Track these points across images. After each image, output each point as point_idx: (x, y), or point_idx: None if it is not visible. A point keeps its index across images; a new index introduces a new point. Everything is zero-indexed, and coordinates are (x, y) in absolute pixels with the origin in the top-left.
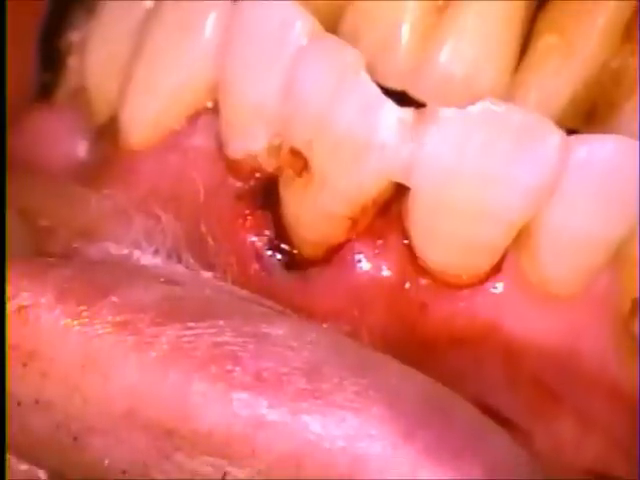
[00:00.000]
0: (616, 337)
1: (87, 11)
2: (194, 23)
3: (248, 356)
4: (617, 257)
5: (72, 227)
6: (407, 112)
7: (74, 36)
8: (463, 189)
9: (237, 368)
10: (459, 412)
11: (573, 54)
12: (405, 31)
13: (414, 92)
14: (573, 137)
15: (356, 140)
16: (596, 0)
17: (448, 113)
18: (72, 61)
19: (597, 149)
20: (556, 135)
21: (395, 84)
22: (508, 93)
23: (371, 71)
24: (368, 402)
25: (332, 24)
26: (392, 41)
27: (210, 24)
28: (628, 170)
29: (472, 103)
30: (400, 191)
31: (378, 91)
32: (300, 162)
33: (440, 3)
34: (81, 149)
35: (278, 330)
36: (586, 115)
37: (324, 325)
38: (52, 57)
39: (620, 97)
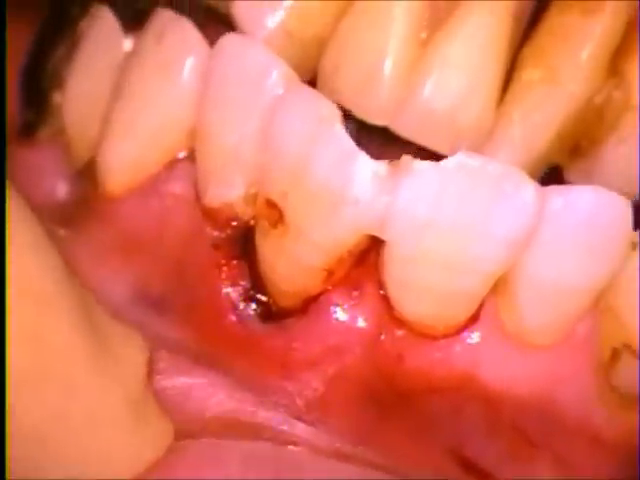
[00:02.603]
0: (597, 385)
1: (68, 50)
2: (172, 68)
3: None
4: (596, 306)
5: None
6: (381, 165)
7: (56, 75)
8: (438, 242)
9: None
10: None
11: (557, 88)
12: (388, 65)
13: (397, 128)
14: (549, 188)
15: (331, 193)
16: (581, 34)
17: (422, 166)
18: (54, 100)
19: (573, 200)
20: (531, 187)
21: (378, 120)
22: (492, 127)
23: (353, 107)
24: None
25: (314, 58)
26: (374, 76)
27: (187, 69)
28: (604, 220)
29: (456, 138)
30: (377, 240)
31: (353, 144)
32: (275, 213)
33: (423, 36)
34: (61, 190)
35: None
36: (571, 150)
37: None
38: (35, 95)
39: (604, 131)
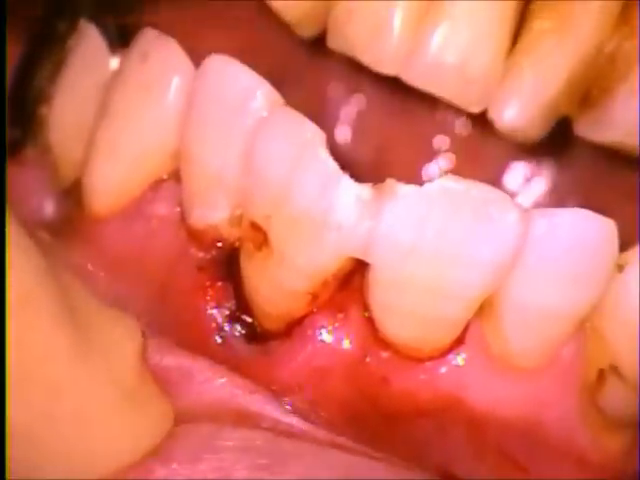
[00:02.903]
0: (582, 407)
1: (55, 67)
2: (157, 88)
3: None
4: (582, 328)
5: None
6: (365, 189)
7: (42, 93)
8: (422, 266)
9: None
10: None
11: (568, 37)
12: (397, 16)
13: (406, 77)
14: (533, 211)
15: (314, 218)
16: None
17: (406, 190)
18: (40, 118)
19: (558, 222)
20: (515, 210)
21: (387, 69)
22: (502, 76)
23: (364, 57)
24: None
25: (325, 10)
26: (384, 26)
27: (172, 90)
28: (589, 242)
29: (466, 87)
30: (362, 263)
31: (336, 168)
32: (260, 236)
33: None
34: (48, 208)
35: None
36: (581, 100)
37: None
38: (22, 112)
39: (614, 80)
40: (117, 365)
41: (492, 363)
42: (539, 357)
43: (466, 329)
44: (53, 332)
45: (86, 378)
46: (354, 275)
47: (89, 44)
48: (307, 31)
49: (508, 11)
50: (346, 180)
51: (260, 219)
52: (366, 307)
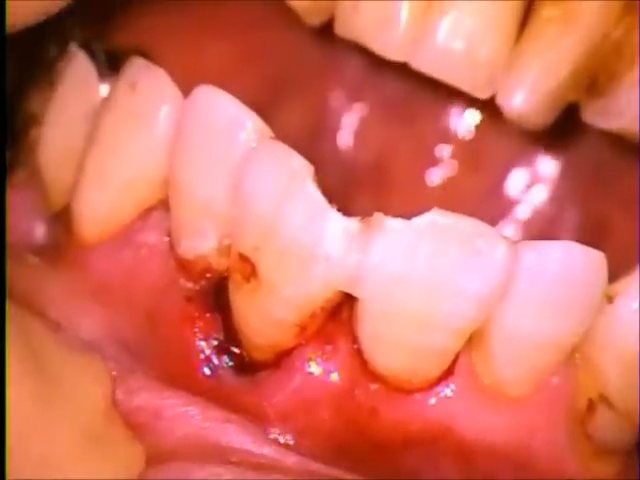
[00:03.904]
0: (571, 436)
1: (45, 91)
2: (145, 117)
3: None
4: (572, 358)
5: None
6: (352, 222)
7: (32, 116)
8: (411, 299)
9: None
10: None
11: (574, 24)
12: (405, 2)
13: (415, 64)
14: (522, 243)
15: (301, 250)
16: None
17: (394, 224)
18: (31, 142)
19: (545, 255)
20: (503, 243)
21: (396, 56)
22: (509, 63)
23: (372, 44)
24: None
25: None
26: (392, 13)
27: (161, 119)
28: (578, 274)
29: (474, 74)
30: (350, 294)
31: (323, 200)
32: (248, 267)
33: None
34: (38, 231)
35: None
36: (587, 86)
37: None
38: (11, 135)
39: (621, 68)
40: (85, 411)
41: (481, 393)
42: (529, 386)
43: (455, 360)
44: (15, 386)
45: (51, 425)
46: (343, 307)
47: (78, 69)
48: (315, 19)
49: None
50: (333, 213)
51: (248, 250)
52: (355, 339)
